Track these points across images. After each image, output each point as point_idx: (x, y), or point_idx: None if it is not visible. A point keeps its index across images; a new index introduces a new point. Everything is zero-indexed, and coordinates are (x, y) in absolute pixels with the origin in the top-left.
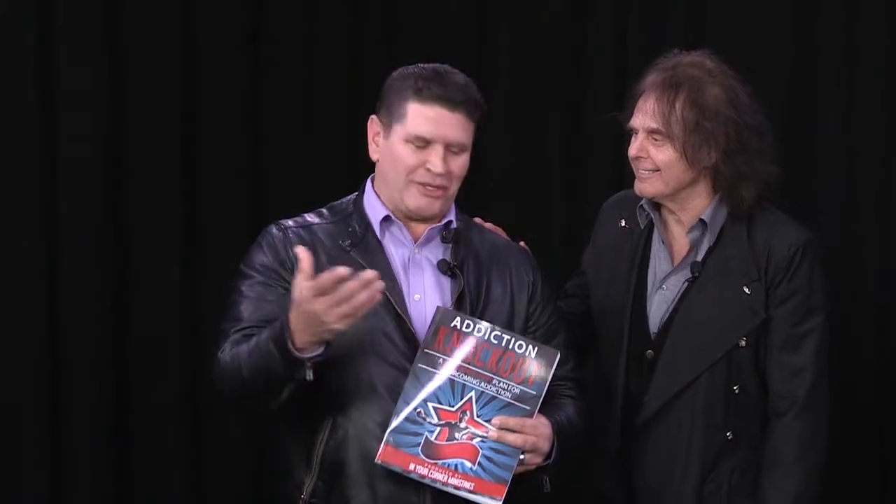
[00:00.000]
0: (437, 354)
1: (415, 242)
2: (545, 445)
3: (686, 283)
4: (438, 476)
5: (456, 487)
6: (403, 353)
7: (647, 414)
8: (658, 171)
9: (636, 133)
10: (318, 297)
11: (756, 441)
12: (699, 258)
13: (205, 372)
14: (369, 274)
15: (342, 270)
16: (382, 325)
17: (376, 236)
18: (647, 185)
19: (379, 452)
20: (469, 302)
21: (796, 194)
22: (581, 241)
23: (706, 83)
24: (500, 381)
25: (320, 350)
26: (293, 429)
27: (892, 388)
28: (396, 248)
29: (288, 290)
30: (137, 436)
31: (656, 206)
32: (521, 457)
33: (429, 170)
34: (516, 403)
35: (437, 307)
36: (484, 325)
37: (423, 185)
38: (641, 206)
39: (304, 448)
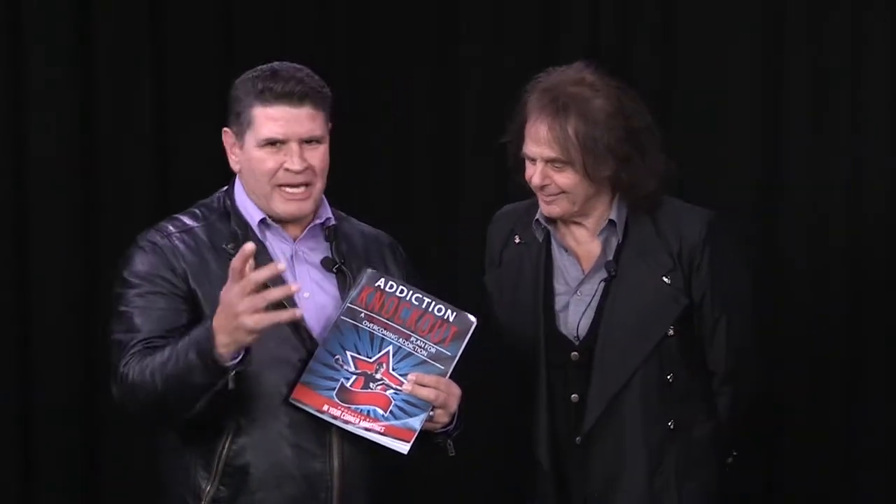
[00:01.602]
0: (360, 309)
1: (293, 240)
2: (454, 405)
3: (602, 284)
4: (350, 419)
5: (366, 430)
6: (301, 352)
7: (589, 422)
8: (564, 192)
9: (532, 160)
10: (234, 285)
11: (695, 422)
12: (610, 257)
13: None
14: (280, 265)
15: (266, 270)
16: (277, 327)
17: (258, 237)
18: (554, 207)
19: (293, 392)
20: None
21: (765, 199)
22: None
23: (591, 98)
24: (417, 339)
25: (239, 358)
26: (190, 434)
27: (859, 384)
28: (278, 248)
29: (182, 299)
30: (107, 435)
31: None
32: (431, 413)
33: (288, 169)
34: (431, 362)
35: (365, 269)
36: (407, 288)
37: (287, 186)
38: (537, 220)
39: (202, 453)
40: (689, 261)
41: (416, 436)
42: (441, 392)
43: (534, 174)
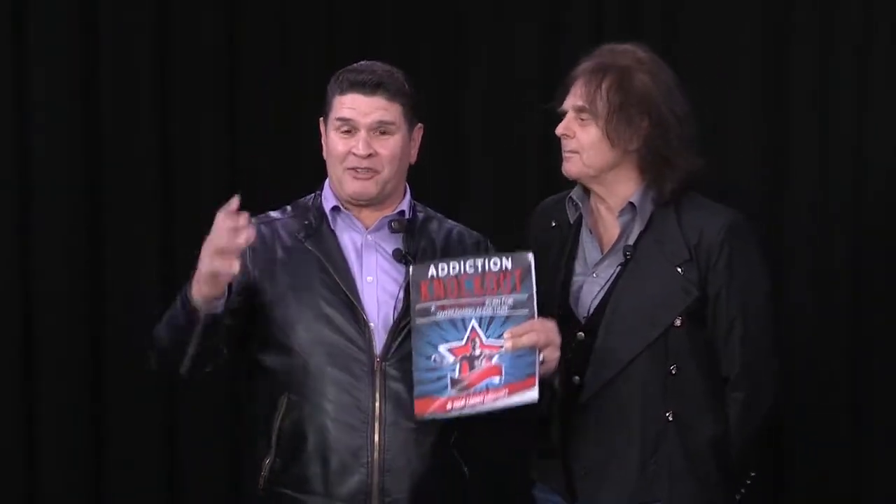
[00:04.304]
0: (427, 305)
1: (366, 229)
2: (556, 337)
3: (619, 267)
4: (475, 401)
5: (494, 401)
6: (353, 334)
7: (584, 398)
8: (582, 151)
9: (565, 115)
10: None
11: (700, 422)
12: (630, 242)
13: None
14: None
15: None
16: (331, 307)
17: (329, 226)
18: (570, 165)
19: (415, 409)
20: None
21: (770, 195)
22: None
23: (634, 70)
24: (491, 300)
25: (217, 304)
26: (259, 411)
27: (861, 391)
28: (349, 235)
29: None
30: (113, 444)
31: (586, 193)
32: (540, 357)
33: (354, 154)
34: (515, 313)
35: (410, 267)
36: (457, 261)
37: (354, 169)
38: (570, 197)
39: (265, 429)
40: (706, 256)
41: (537, 380)
42: (539, 332)
43: (560, 124)
